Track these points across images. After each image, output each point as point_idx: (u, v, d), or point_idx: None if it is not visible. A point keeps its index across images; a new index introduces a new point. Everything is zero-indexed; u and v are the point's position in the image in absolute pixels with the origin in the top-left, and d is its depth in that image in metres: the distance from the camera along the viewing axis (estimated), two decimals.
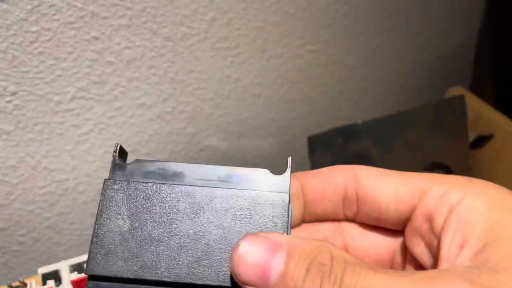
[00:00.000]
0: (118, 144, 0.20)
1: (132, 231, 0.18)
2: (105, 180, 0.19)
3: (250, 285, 0.15)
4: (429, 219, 0.17)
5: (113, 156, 0.20)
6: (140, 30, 0.44)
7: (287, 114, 0.59)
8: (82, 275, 0.38)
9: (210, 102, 0.52)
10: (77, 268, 0.41)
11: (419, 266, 0.18)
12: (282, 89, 0.56)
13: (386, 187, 0.19)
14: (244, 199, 0.18)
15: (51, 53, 0.41)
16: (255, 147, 0.60)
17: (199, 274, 0.17)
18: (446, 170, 0.53)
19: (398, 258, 0.19)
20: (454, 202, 0.16)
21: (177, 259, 0.18)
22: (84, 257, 0.42)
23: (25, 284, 0.37)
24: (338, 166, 0.20)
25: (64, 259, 0.42)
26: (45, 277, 0.40)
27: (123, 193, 0.19)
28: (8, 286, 0.37)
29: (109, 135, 0.48)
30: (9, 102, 0.41)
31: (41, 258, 0.53)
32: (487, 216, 0.15)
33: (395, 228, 0.19)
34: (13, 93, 0.41)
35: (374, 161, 0.50)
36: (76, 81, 0.43)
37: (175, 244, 0.18)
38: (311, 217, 0.20)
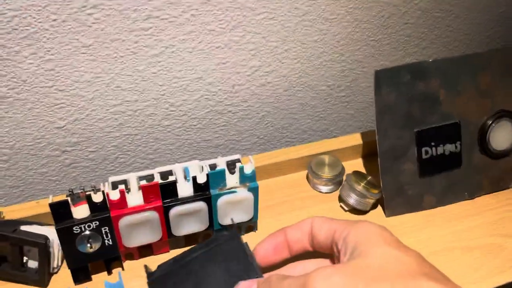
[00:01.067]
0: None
1: None
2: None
3: None
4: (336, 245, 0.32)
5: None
6: None
7: (352, 55, 0.59)
8: (151, 182, 0.40)
9: (276, 35, 0.52)
10: (145, 179, 0.43)
11: None
12: (349, 27, 0.55)
13: (323, 229, 0.33)
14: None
15: None
16: (315, 88, 0.60)
17: None
18: None
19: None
20: (344, 235, 0.31)
21: None
22: (151, 171, 0.44)
23: (97, 190, 0.40)
24: (306, 220, 0.34)
25: None
26: (114, 186, 0.43)
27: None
28: (81, 189, 0.40)
29: (178, 59, 0.50)
30: (90, 15, 0.43)
31: (107, 177, 0.57)
32: (356, 239, 0.30)
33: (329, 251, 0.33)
34: (94, 6, 0.43)
35: (440, 102, 0.49)
36: None
37: None
38: (296, 252, 0.35)
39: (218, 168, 0.43)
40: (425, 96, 0.48)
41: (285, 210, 0.50)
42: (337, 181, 0.52)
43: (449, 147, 0.50)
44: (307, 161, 0.54)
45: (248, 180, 0.43)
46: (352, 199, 0.48)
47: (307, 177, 0.54)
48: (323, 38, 0.55)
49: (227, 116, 0.58)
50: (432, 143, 0.49)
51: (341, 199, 0.50)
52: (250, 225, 0.47)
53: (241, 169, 0.43)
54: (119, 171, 0.57)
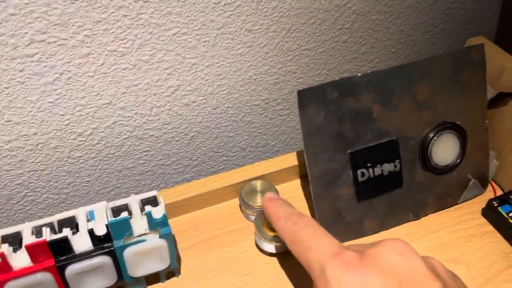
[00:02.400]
0: None
1: None
2: None
3: None
4: None
5: None
6: None
7: (284, 66, 0.53)
8: (39, 239, 0.34)
9: (192, 51, 0.46)
10: (38, 231, 0.37)
11: None
12: (277, 37, 0.50)
13: None
14: None
15: None
16: (247, 103, 0.55)
17: None
18: (459, 131, 0.46)
19: None
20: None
21: None
22: (51, 219, 0.38)
23: None
24: None
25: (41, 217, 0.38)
26: (5, 239, 0.37)
27: None
28: None
29: (78, 85, 0.43)
30: None
31: (17, 217, 0.50)
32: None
33: None
34: None
35: (374, 119, 0.44)
36: (32, 21, 0.37)
37: None
38: None
39: (123, 213, 0.37)
40: (357, 114, 0.43)
41: (214, 247, 0.45)
42: None
43: (388, 167, 0.45)
44: (240, 188, 0.49)
45: (159, 225, 0.38)
46: (269, 247, 0.43)
47: (240, 207, 0.49)
48: (248, 51, 0.49)
49: (149, 140, 0.52)
50: (368, 164, 0.45)
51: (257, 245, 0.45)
52: (170, 271, 0.42)
53: (149, 214, 0.37)
54: (29, 210, 0.51)
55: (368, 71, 0.43)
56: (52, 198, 0.51)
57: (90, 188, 0.53)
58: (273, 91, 0.55)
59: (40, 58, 0.40)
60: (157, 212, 0.38)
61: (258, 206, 0.46)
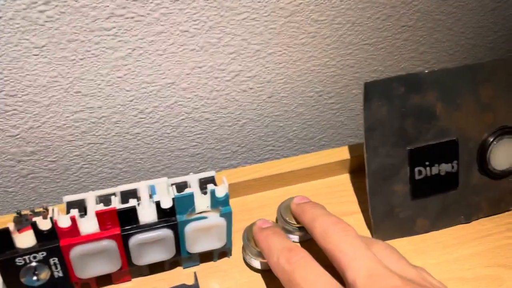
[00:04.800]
0: None
1: None
2: None
3: None
4: None
5: None
6: None
7: (343, 59, 0.53)
8: (108, 207, 0.35)
9: (258, 37, 0.47)
10: (104, 200, 0.38)
11: None
12: (341, 29, 0.50)
13: None
14: None
15: None
16: (301, 94, 0.55)
17: None
18: None
19: None
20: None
21: None
22: (113, 190, 0.39)
23: (47, 210, 0.35)
24: None
25: (93, 190, 0.39)
26: (70, 206, 0.38)
27: None
28: (31, 211, 0.35)
29: (147, 62, 0.44)
30: (41, 12, 0.37)
31: (71, 187, 0.52)
32: None
33: None
34: (46, 2, 0.37)
35: (437, 117, 0.44)
36: None
37: None
38: None
39: (187, 189, 0.38)
40: (420, 111, 0.43)
41: None
42: None
43: (445, 167, 0.45)
44: (289, 176, 0.49)
45: (221, 204, 0.39)
46: (255, 263, 0.41)
47: (276, 220, 0.48)
48: (311, 41, 0.50)
49: (204, 123, 0.53)
50: (427, 163, 0.45)
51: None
52: (224, 251, 0.43)
53: (213, 192, 0.38)
54: (83, 182, 0.52)
55: (435, 69, 0.42)
56: (105, 172, 0.52)
57: (142, 165, 0.54)
58: (328, 84, 0.55)
59: (116, 33, 0.41)
60: (220, 191, 0.38)
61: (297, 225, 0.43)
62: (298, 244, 0.43)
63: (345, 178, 0.52)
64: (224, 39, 0.45)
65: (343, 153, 0.51)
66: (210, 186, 0.39)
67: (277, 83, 0.52)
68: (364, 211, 0.48)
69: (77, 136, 0.47)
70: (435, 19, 0.54)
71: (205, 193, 0.39)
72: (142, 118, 0.49)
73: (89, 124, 0.47)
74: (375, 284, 0.28)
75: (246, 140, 0.57)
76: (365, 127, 0.43)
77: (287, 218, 0.43)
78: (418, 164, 0.44)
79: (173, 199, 0.37)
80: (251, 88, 0.51)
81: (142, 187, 0.40)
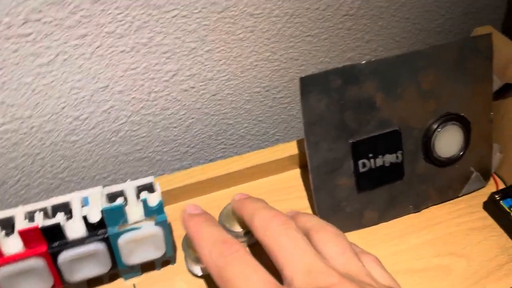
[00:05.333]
0: None
1: None
2: None
3: None
4: None
5: None
6: None
7: (286, 53, 0.52)
8: (31, 224, 0.34)
9: (192, 35, 0.45)
10: (31, 216, 0.36)
11: None
12: (279, 22, 0.49)
13: None
14: None
15: None
16: (247, 90, 0.54)
17: None
18: (463, 123, 0.45)
19: None
20: None
21: None
22: (44, 204, 0.37)
23: None
24: None
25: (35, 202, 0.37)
26: None
27: None
28: None
29: (74, 67, 0.42)
30: None
31: (10, 202, 0.50)
32: None
33: None
34: None
35: (378, 108, 0.43)
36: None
37: None
38: None
39: (119, 199, 0.36)
40: (359, 102, 0.42)
41: None
42: None
43: (389, 158, 0.44)
44: (237, 176, 0.48)
45: (155, 212, 0.37)
46: (196, 269, 0.40)
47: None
48: (250, 36, 0.48)
49: (147, 126, 0.51)
50: (370, 155, 0.44)
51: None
52: (166, 260, 0.41)
53: (145, 201, 0.36)
54: (24, 195, 0.50)
55: (372, 59, 0.41)
56: (46, 183, 0.50)
57: (86, 173, 0.52)
58: (274, 78, 0.54)
59: (35, 38, 0.39)
60: (153, 199, 0.37)
61: (239, 232, 0.41)
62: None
63: (296, 173, 0.51)
64: (155, 39, 0.44)
65: (292, 148, 0.50)
66: (143, 195, 0.37)
67: (220, 81, 0.51)
68: (314, 206, 0.47)
69: (8, 148, 0.45)
70: (377, 6, 0.53)
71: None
72: (77, 125, 0.47)
73: (20, 135, 0.45)
74: (313, 282, 0.27)
75: (195, 140, 0.56)
76: (304, 123, 0.42)
77: (227, 225, 0.42)
78: (361, 156, 0.44)
79: (102, 212, 0.35)
80: (192, 87, 0.50)
81: (74, 199, 0.38)
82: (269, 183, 0.50)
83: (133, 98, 0.47)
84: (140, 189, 0.39)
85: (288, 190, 0.49)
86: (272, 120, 0.59)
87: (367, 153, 0.44)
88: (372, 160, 0.44)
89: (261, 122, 0.59)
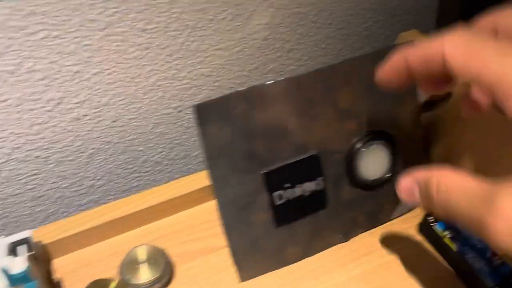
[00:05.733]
0: None
1: None
2: None
3: None
4: None
5: None
6: None
7: (194, 69, 0.46)
8: None
9: (72, 57, 0.38)
10: None
11: None
12: (180, 37, 0.43)
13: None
14: None
15: None
16: (156, 112, 0.47)
17: None
18: (389, 140, 0.41)
19: None
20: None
21: None
22: None
23: None
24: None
25: None
26: None
27: None
28: None
29: None
30: None
31: None
32: None
33: None
34: None
35: (291, 133, 0.38)
36: None
37: None
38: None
39: None
40: (270, 128, 0.37)
41: None
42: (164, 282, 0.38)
43: (309, 186, 0.39)
44: (144, 215, 0.42)
45: (20, 281, 0.30)
46: None
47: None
48: (146, 53, 0.42)
49: (35, 162, 0.44)
50: (286, 185, 0.39)
51: None
52: None
53: (5, 270, 0.30)
54: None
55: (279, 79, 0.36)
56: None
57: None
58: (185, 97, 0.48)
59: None
60: (17, 267, 0.30)
61: (143, 283, 0.36)
62: None
63: (211, 206, 0.46)
64: (24, 65, 0.37)
65: (204, 179, 0.45)
66: (6, 261, 0.30)
67: (118, 105, 0.44)
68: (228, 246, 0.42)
69: None
70: (294, 13, 0.48)
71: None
72: None
73: None
74: None
75: (101, 172, 0.49)
76: (206, 156, 0.36)
77: (129, 277, 0.36)
78: (276, 188, 0.38)
79: None
80: (85, 115, 0.43)
81: None
82: (179, 220, 0.44)
83: (11, 133, 0.40)
84: (13, 245, 0.33)
85: (203, 227, 0.44)
86: (191, 142, 0.53)
87: (283, 183, 0.38)
88: (289, 191, 0.39)
89: (178, 145, 0.52)
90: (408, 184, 0.27)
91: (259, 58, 0.49)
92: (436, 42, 0.23)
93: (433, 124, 0.44)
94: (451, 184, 0.23)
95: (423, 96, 0.43)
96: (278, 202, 0.39)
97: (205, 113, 0.35)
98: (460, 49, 0.22)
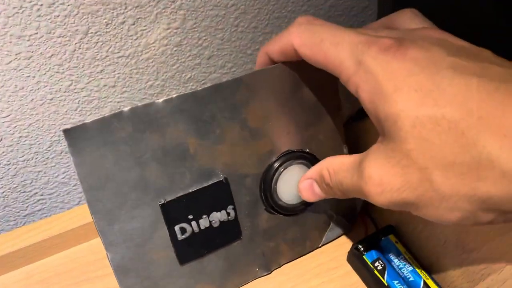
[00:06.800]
0: None
1: None
2: None
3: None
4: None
5: None
6: None
7: (95, 80, 0.40)
8: None
9: None
10: None
11: None
12: (70, 43, 0.37)
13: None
14: None
15: None
16: (51, 129, 0.41)
17: None
18: (310, 160, 0.36)
19: None
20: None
21: None
22: None
23: None
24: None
25: None
26: None
27: None
28: None
29: None
30: None
31: None
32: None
33: None
34: None
35: (192, 157, 0.32)
36: None
37: None
38: None
39: None
40: (166, 152, 0.32)
41: None
42: None
43: (218, 216, 0.34)
44: (31, 252, 0.36)
45: None
46: None
47: None
48: (28, 63, 0.36)
49: None
50: (190, 216, 0.33)
51: None
52: None
53: None
54: None
55: (173, 96, 0.31)
56: None
57: None
58: (87, 111, 0.42)
59: None
60: None
61: None
62: None
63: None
64: None
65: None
66: None
67: (1, 123, 0.38)
68: None
69: None
70: (210, 15, 0.42)
71: None
72: None
73: None
74: None
75: None
76: (84, 189, 0.30)
77: None
78: (177, 220, 0.33)
79: None
80: None
81: None
82: (68, 258, 0.38)
83: None
84: None
85: (96, 266, 0.38)
86: None
87: (186, 215, 0.33)
88: (193, 223, 0.34)
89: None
90: (306, 184, 0.32)
91: (173, 66, 0.44)
92: (285, 36, 0.27)
93: (363, 133, 0.40)
94: (336, 167, 0.28)
95: (348, 109, 0.38)
96: (181, 237, 0.33)
97: (80, 139, 0.29)
98: (304, 40, 0.26)
